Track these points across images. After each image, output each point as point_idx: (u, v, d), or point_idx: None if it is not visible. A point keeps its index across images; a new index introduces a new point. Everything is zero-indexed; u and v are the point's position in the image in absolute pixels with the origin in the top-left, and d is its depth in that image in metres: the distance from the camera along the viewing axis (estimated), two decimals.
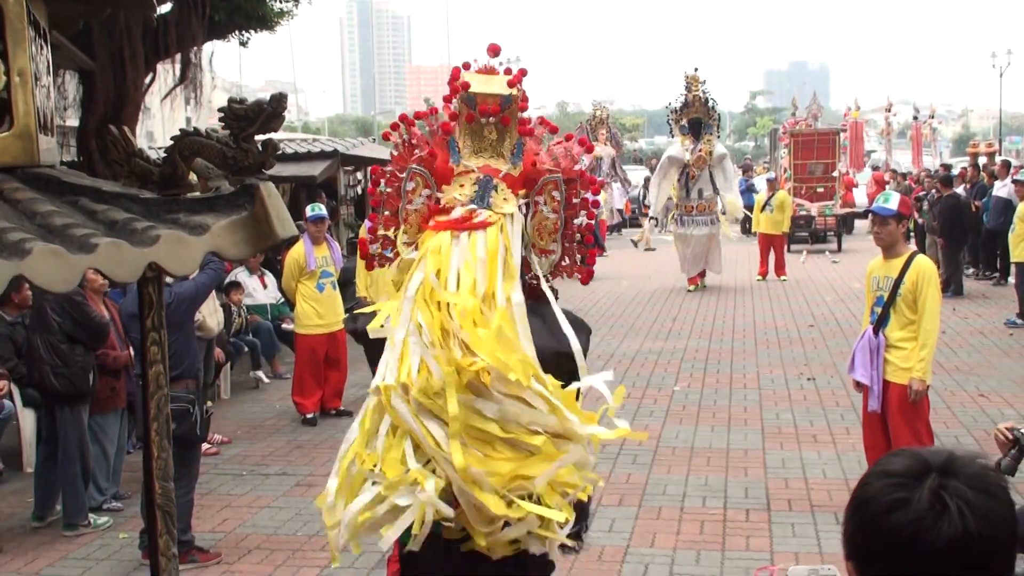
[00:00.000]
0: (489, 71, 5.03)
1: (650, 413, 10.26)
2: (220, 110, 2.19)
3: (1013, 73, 64.38)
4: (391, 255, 4.93)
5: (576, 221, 5.13)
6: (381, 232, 4.97)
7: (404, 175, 4.88)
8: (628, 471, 8.38)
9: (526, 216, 4.97)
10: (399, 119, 5.12)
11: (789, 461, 8.58)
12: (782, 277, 20.56)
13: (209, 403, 7.77)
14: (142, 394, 2.41)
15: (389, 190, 4.94)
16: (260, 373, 12.56)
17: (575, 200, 5.11)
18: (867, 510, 1.80)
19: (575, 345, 4.44)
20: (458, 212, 4.66)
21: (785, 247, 21.70)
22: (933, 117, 46.21)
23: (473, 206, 4.72)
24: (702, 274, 19.62)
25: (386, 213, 4.95)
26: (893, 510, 1.75)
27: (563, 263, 5.09)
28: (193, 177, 2.47)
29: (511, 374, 4.14)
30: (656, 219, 21.42)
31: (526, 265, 4.80)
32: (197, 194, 2.24)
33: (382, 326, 4.52)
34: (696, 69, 20.09)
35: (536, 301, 4.65)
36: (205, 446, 8.49)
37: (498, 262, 4.51)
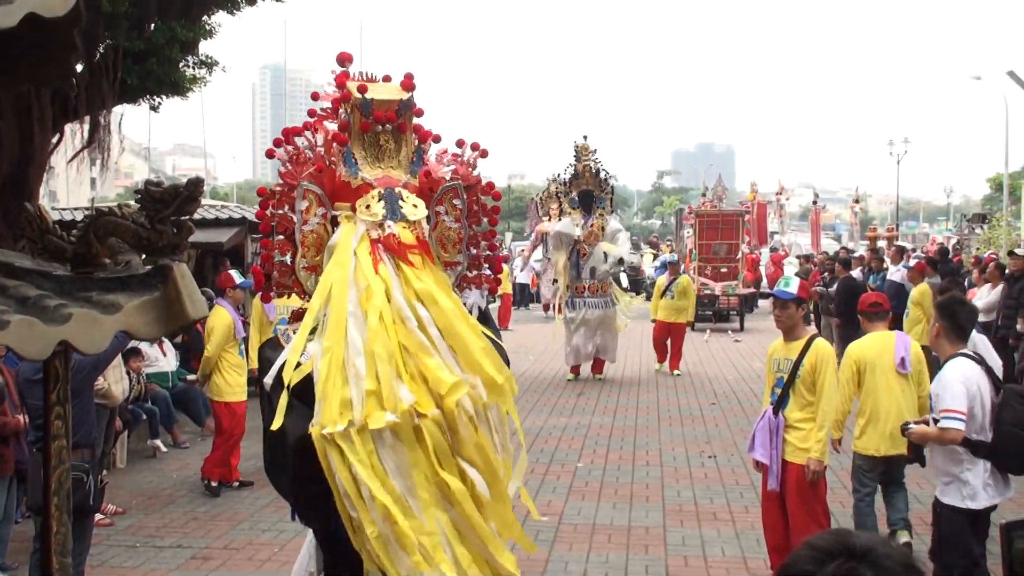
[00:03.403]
0: (385, 79, 4.84)
1: (553, 489, 10.28)
2: (136, 192, 2.20)
3: (910, 161, 66.95)
4: (289, 282, 4.69)
5: (478, 228, 5.05)
6: (278, 258, 4.69)
7: (296, 194, 4.61)
8: None
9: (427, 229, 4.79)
10: (283, 133, 4.83)
11: (689, 539, 8.66)
12: (676, 372, 18.36)
13: (104, 472, 7.58)
14: (44, 468, 2.38)
15: (280, 211, 4.65)
16: (158, 442, 12.29)
17: (475, 207, 5.02)
18: (783, 574, 1.88)
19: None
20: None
21: (684, 335, 18.98)
22: (858, 202, 47.77)
23: (390, 222, 4.58)
24: (599, 365, 17.98)
25: (279, 237, 4.66)
26: None
27: (469, 274, 4.99)
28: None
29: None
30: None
31: None
32: (109, 273, 2.24)
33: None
34: (585, 137, 18.44)
35: None
36: (98, 516, 8.28)
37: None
